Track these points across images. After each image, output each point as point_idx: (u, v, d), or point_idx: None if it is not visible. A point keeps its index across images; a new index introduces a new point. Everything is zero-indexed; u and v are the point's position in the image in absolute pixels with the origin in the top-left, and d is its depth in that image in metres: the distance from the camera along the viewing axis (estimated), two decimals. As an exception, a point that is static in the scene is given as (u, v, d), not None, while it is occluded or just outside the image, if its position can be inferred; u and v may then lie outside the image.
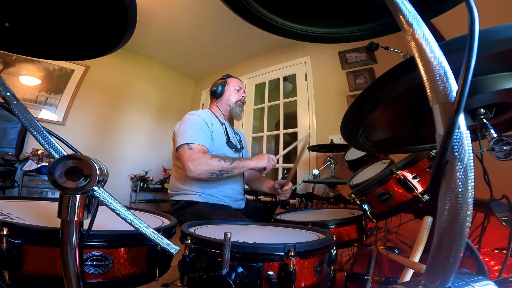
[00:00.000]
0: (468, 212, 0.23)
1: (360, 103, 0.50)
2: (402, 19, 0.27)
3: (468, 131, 0.24)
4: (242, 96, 1.55)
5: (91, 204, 0.42)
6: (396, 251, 1.51)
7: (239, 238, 0.64)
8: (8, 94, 0.40)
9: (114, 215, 0.41)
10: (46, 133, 0.40)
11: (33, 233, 0.47)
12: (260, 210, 1.56)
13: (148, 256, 0.58)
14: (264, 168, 1.29)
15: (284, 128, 3.25)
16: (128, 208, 0.44)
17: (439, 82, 0.25)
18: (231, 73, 1.69)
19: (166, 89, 4.25)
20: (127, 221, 0.41)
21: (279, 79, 3.42)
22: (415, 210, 0.97)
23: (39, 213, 0.66)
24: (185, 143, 1.23)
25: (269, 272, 0.54)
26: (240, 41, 3.44)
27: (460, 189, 0.23)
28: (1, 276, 0.44)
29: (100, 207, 0.45)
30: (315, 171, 1.89)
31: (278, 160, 1.36)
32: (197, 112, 1.39)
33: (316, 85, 3.04)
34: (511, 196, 0.73)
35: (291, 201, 2.24)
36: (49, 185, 0.95)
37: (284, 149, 3.25)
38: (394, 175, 0.84)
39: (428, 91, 0.26)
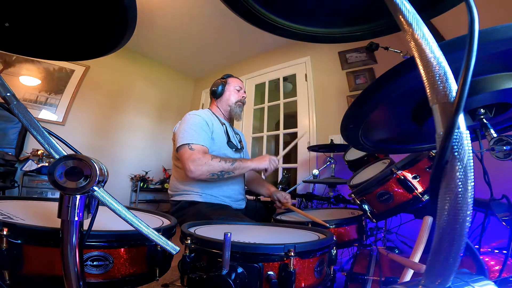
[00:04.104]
0: (468, 212, 0.23)
1: (360, 103, 0.49)
2: (402, 19, 0.27)
3: (468, 131, 0.24)
4: (242, 96, 1.55)
5: (91, 204, 0.42)
6: (396, 251, 1.51)
7: (239, 238, 0.64)
8: (8, 94, 0.40)
9: (114, 215, 0.41)
10: (46, 133, 0.40)
11: (33, 233, 0.47)
12: (260, 210, 1.56)
13: (148, 256, 0.58)
14: (266, 170, 1.29)
15: (284, 128, 3.25)
16: (128, 208, 0.44)
17: (439, 82, 0.25)
18: (231, 73, 1.68)
19: (166, 89, 4.25)
20: (127, 221, 0.41)
21: (279, 79, 3.42)
22: (415, 210, 0.96)
23: (39, 213, 0.66)
24: (186, 143, 1.23)
25: (269, 272, 0.54)
26: (240, 41, 3.44)
27: (460, 189, 0.23)
28: (1, 276, 0.44)
29: (100, 207, 0.45)
30: (315, 171, 1.88)
31: (279, 161, 1.36)
32: (197, 112, 1.39)
33: (316, 85, 3.04)
34: (511, 196, 0.73)
35: (291, 201, 2.25)
36: (49, 185, 0.95)
37: (284, 149, 3.27)
38: (394, 175, 0.84)
39: (428, 91, 0.26)
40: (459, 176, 0.23)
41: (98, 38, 0.53)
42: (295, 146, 3.09)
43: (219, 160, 1.21)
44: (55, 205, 0.39)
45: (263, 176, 1.34)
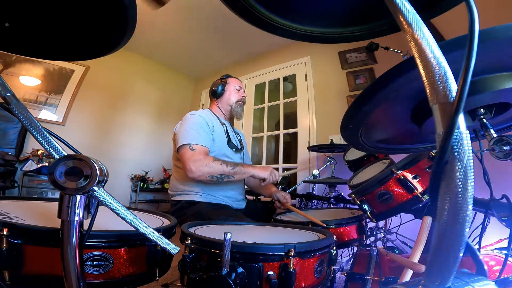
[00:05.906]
0: (468, 212, 0.23)
1: (360, 103, 0.49)
2: (402, 19, 0.27)
3: (468, 131, 0.24)
4: (243, 96, 1.55)
5: (91, 204, 0.42)
6: (396, 251, 1.51)
7: (239, 238, 0.64)
8: (8, 94, 0.40)
9: (114, 215, 0.41)
10: (46, 133, 0.40)
11: (33, 233, 0.47)
12: (260, 210, 1.56)
13: (148, 256, 0.58)
14: (264, 180, 1.29)
15: (284, 128, 3.24)
16: (128, 208, 0.44)
17: (439, 82, 0.25)
18: (231, 73, 1.69)
19: (166, 89, 4.25)
20: (127, 221, 0.41)
21: (279, 79, 3.42)
22: (415, 210, 0.96)
23: (39, 213, 0.66)
24: (187, 144, 1.23)
25: (269, 272, 0.54)
26: (240, 41, 3.44)
27: (460, 189, 0.23)
28: (1, 276, 0.44)
29: (100, 207, 0.45)
30: (315, 171, 1.88)
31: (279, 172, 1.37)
32: (198, 112, 1.39)
33: (316, 85, 3.04)
34: (511, 196, 0.73)
35: (291, 201, 2.25)
36: (49, 185, 0.95)
37: (284, 149, 3.27)
38: (394, 175, 0.84)
39: (428, 91, 0.26)
40: (459, 176, 0.23)
41: (98, 38, 0.53)
42: (295, 148, 3.11)
43: (221, 163, 1.21)
44: (55, 205, 0.39)
45: (261, 184, 1.35)
